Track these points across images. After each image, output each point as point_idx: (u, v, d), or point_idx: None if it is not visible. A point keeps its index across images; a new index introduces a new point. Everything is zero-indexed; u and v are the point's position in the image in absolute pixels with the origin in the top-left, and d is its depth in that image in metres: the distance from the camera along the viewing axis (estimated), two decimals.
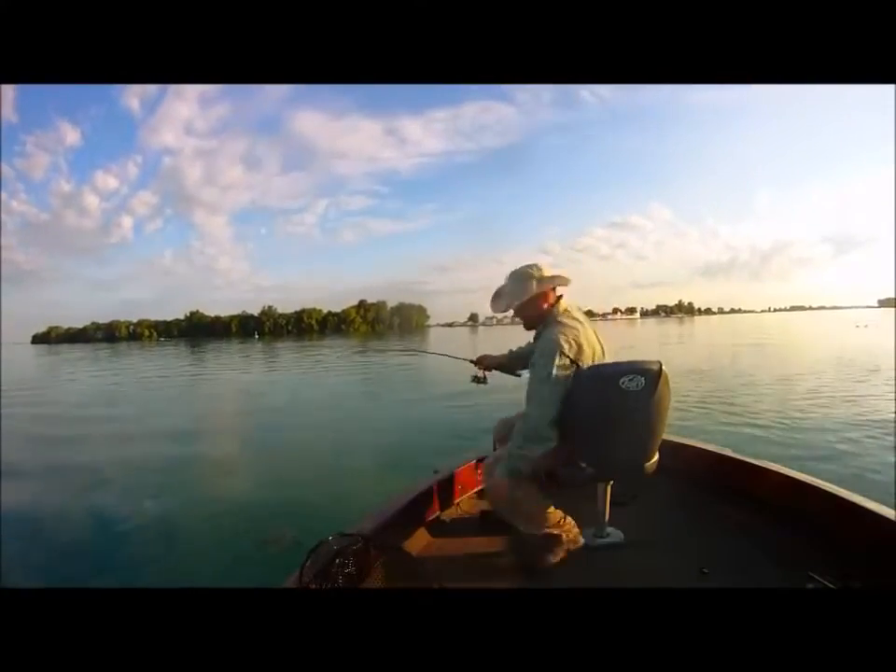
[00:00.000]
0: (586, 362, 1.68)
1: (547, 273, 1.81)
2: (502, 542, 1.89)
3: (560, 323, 1.73)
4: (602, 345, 1.79)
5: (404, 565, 1.68)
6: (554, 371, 1.63)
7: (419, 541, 1.92)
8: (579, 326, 1.74)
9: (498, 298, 1.89)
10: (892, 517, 1.58)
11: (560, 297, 1.82)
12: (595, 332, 1.80)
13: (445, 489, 2.15)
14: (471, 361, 2.26)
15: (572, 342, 1.67)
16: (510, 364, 2.17)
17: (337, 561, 1.48)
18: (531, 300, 1.79)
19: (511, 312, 1.85)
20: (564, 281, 1.83)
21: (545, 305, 1.80)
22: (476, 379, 2.24)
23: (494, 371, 2.23)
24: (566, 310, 1.80)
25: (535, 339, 1.87)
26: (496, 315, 1.99)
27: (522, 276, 1.81)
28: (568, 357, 1.65)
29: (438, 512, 2.10)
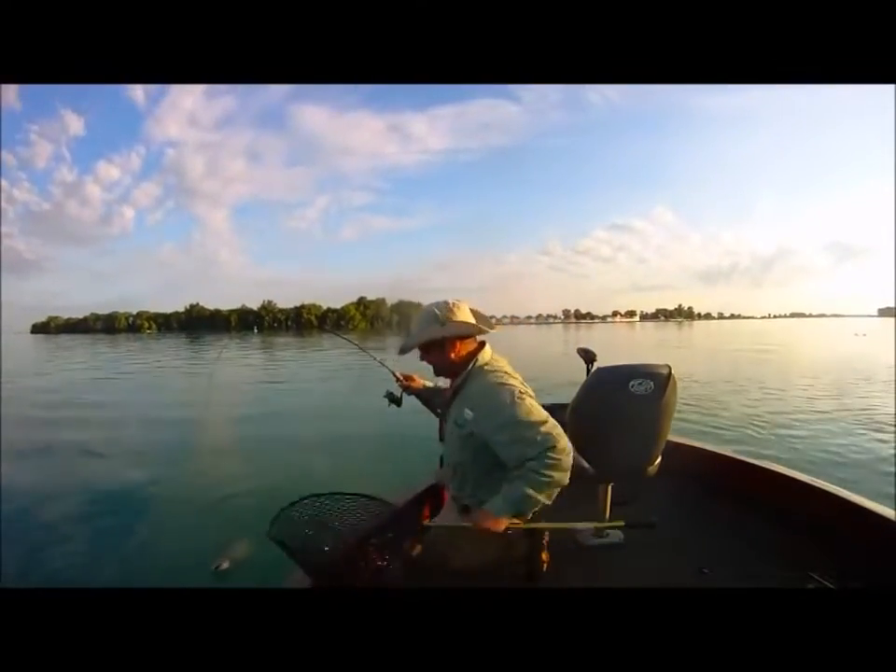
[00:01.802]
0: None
1: (461, 315, 1.56)
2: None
3: (490, 372, 1.53)
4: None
5: (403, 564, 1.68)
6: (526, 401, 1.44)
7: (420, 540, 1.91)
8: (507, 369, 1.57)
9: (405, 337, 1.64)
10: (892, 517, 1.60)
11: (483, 344, 1.61)
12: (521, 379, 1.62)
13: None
14: (398, 378, 1.95)
15: (512, 379, 1.52)
16: (431, 397, 1.92)
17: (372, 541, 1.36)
18: (435, 344, 1.55)
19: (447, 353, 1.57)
20: (477, 329, 1.58)
21: (453, 355, 1.56)
22: (391, 397, 1.96)
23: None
24: (494, 359, 1.59)
25: (454, 392, 1.60)
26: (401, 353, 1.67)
27: (425, 317, 1.57)
28: (525, 391, 1.48)
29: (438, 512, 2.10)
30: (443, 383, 1.82)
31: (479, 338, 1.63)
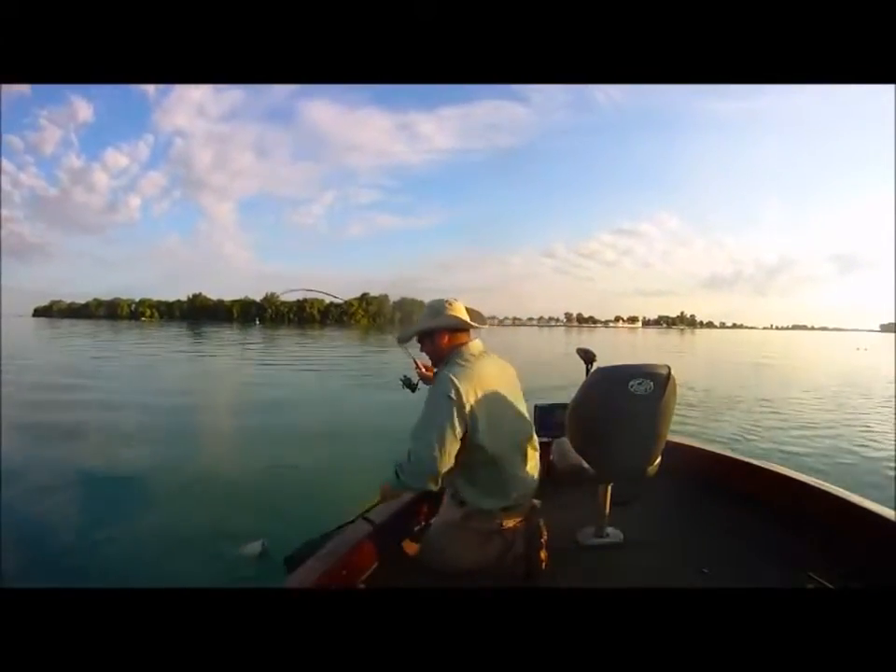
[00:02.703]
0: (479, 405, 1.55)
1: (453, 311, 1.71)
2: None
3: (456, 363, 1.62)
4: (513, 386, 1.72)
5: (403, 564, 1.69)
6: (444, 413, 1.51)
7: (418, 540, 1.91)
8: (477, 366, 1.62)
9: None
10: (892, 517, 1.60)
11: (473, 340, 1.73)
12: (504, 371, 1.73)
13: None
14: (417, 366, 2.06)
15: (464, 382, 1.55)
16: None
17: None
18: (429, 334, 1.71)
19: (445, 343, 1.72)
20: (464, 323, 1.70)
21: (442, 345, 1.69)
22: (407, 382, 2.08)
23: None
24: (472, 353, 1.66)
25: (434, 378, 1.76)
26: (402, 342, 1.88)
27: (424, 312, 1.75)
28: (460, 398, 1.53)
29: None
30: None
31: (474, 336, 1.74)
